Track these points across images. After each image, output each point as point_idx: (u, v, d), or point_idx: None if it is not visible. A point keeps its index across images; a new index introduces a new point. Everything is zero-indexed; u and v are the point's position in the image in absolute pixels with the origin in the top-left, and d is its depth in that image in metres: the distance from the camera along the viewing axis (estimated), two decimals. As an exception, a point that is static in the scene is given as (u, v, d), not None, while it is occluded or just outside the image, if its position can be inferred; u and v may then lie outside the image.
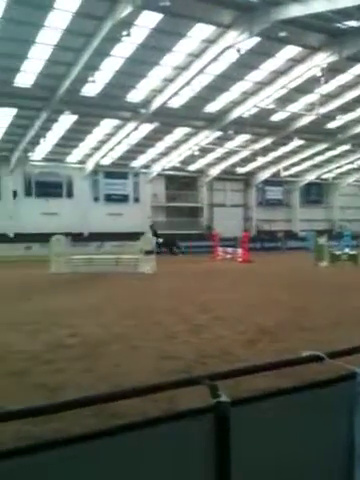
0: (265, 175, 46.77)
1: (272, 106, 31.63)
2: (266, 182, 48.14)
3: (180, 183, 45.10)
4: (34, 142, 33.77)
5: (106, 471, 1.42)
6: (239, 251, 26.92)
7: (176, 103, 31.26)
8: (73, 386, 5.06)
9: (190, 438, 1.54)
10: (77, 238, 32.63)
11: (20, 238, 35.30)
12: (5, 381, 5.31)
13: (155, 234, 29.27)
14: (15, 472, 1.30)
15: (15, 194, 37.54)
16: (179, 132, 36.78)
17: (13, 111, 29.86)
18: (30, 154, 36.03)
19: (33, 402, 4.41)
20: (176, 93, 29.12)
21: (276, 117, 35.21)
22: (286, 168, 45.50)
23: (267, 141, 38.63)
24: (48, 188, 38.81)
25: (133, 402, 1.75)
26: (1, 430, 3.00)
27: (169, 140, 38.15)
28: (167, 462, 1.51)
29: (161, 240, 29.91)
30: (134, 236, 25.73)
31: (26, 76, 26.22)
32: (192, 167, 43.93)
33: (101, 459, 1.41)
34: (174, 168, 43.05)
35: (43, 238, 26.95)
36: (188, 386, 1.65)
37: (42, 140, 33.59)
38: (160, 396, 2.22)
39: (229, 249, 28.59)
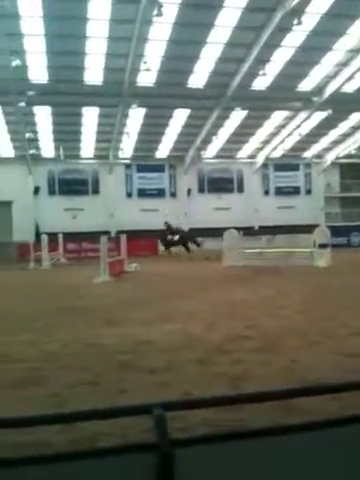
0: None
1: None
2: None
3: (357, 171, 42.45)
4: (207, 140, 34.99)
5: None
6: None
7: (351, 88, 29.53)
8: (252, 377, 5.17)
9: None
10: (248, 232, 32.95)
11: (193, 233, 36.97)
12: (191, 368, 5.65)
13: (171, 232, 28.06)
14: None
15: (189, 192, 39.36)
16: (356, 117, 34.68)
17: (187, 112, 31.35)
18: (203, 152, 37.44)
19: (217, 390, 4.61)
20: (351, 77, 27.54)
21: None
22: None
23: None
24: (220, 184, 39.86)
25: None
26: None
27: (344, 126, 36.22)
28: None
29: (177, 237, 28.36)
30: (306, 229, 25.03)
31: (198, 76, 27.29)
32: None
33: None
34: (349, 156, 40.71)
35: (215, 233, 27.81)
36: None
37: (214, 138, 34.64)
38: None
39: None
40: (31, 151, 31.60)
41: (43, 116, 28.73)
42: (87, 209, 33.75)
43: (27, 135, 29.50)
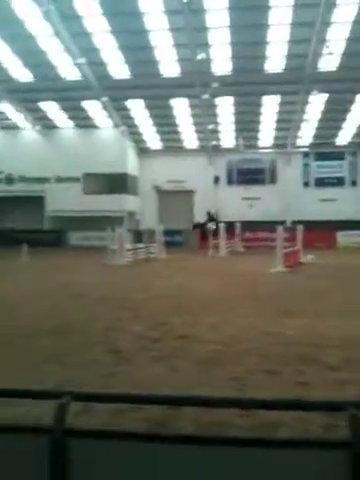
0: None
1: None
2: None
3: None
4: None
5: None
6: None
7: None
8: None
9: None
10: None
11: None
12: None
13: (212, 220, 27.69)
14: None
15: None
16: None
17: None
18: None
19: None
20: None
21: None
22: None
23: None
24: None
25: None
26: None
27: None
28: None
29: (214, 227, 26.35)
30: None
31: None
32: None
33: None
34: None
35: None
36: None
37: None
38: None
39: None
40: (212, 142, 32.90)
41: (224, 107, 29.59)
42: (264, 198, 33.95)
43: (209, 127, 30.72)
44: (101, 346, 6.84)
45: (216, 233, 26.17)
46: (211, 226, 27.10)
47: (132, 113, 30.58)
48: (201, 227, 28.80)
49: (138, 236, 27.57)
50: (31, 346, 6.85)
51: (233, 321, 8.42)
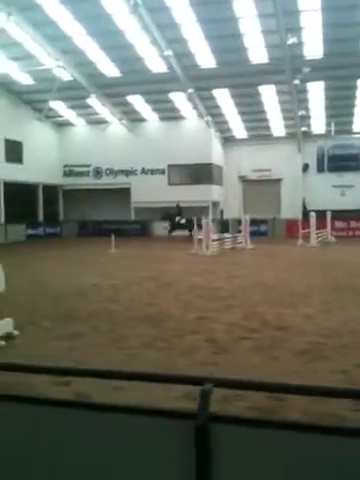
0: None
1: None
2: None
3: None
4: None
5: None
6: None
7: None
8: None
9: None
10: None
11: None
12: None
13: (179, 214, 27.38)
14: None
15: None
16: None
17: None
18: None
19: None
20: None
21: None
22: None
23: None
24: None
25: None
26: None
27: None
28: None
29: (184, 221, 26.59)
30: None
31: None
32: None
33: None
34: None
35: None
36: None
37: None
38: None
39: None
40: (302, 128, 31.85)
41: (315, 92, 28.46)
42: (357, 186, 32.34)
43: (300, 113, 29.75)
44: (197, 335, 6.81)
45: (183, 227, 26.59)
46: (180, 219, 27.34)
47: (217, 102, 30.35)
48: (171, 219, 28.60)
49: (223, 226, 27.45)
50: (128, 333, 6.98)
51: (331, 313, 8.06)
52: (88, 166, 34.16)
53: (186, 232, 26.75)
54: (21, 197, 30.94)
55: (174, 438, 1.45)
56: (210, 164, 32.36)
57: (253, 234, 24.13)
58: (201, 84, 27.57)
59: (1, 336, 6.57)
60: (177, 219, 27.84)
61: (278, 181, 33.67)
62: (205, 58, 25.55)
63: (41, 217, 32.32)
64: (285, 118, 31.61)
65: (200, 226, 23.12)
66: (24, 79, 28.23)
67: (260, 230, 28.66)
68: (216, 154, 33.45)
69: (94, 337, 6.77)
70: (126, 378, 1.84)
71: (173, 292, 10.46)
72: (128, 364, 5.37)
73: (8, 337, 6.67)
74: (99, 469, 1.53)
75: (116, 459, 1.50)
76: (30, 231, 30.13)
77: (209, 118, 31.61)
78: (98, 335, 6.88)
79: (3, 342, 6.44)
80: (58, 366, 2.15)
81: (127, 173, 33.69)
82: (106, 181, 33.82)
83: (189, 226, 25.59)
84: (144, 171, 33.44)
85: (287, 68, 25.02)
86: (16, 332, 6.85)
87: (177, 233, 27.68)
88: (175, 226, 27.81)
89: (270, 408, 3.90)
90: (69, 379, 4.59)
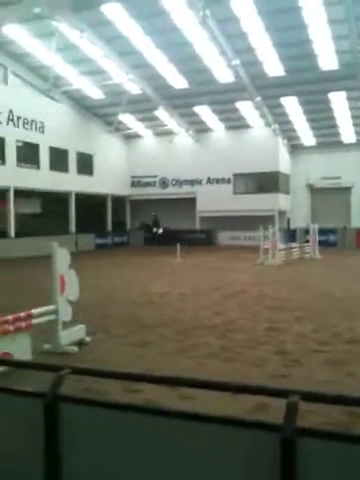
0: None
1: None
2: None
3: None
4: None
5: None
6: None
7: None
8: None
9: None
10: None
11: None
12: None
13: (155, 224, 26.59)
14: None
15: None
16: None
17: None
18: None
19: None
20: None
21: None
22: None
23: None
24: None
25: None
26: None
27: None
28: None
29: (161, 231, 25.62)
30: None
31: None
32: None
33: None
34: None
35: None
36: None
37: None
38: None
39: None
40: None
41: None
42: None
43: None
44: (266, 346, 6.71)
45: (162, 237, 25.71)
46: (157, 231, 26.42)
47: (285, 110, 29.95)
48: (147, 229, 27.72)
49: (290, 235, 26.92)
50: (196, 342, 6.98)
51: None
52: (155, 177, 34.75)
53: (163, 243, 26.43)
54: (91, 208, 31.99)
55: (258, 452, 1.44)
56: (277, 172, 31.92)
57: (322, 244, 23.46)
58: (269, 92, 27.34)
59: (74, 342, 6.80)
60: (154, 230, 27.35)
61: (348, 189, 32.57)
62: (273, 66, 25.32)
63: (109, 227, 33.19)
64: (355, 124, 30.64)
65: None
66: (95, 94, 29.27)
67: (329, 240, 27.81)
68: (283, 162, 32.97)
69: (163, 345, 6.84)
70: (210, 387, 1.83)
71: (240, 302, 10.37)
72: (197, 374, 5.37)
73: (81, 343, 6.88)
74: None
75: (203, 468, 1.52)
76: (98, 240, 31.00)
77: (276, 126, 31.25)
78: (166, 343, 6.95)
79: (76, 348, 6.65)
80: (131, 372, 2.20)
81: (192, 183, 33.93)
82: (172, 191, 34.24)
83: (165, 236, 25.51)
84: (209, 181, 33.53)
85: (359, 74, 24.29)
86: (88, 339, 7.06)
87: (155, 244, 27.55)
88: (153, 236, 27.30)
89: (345, 424, 3.77)
90: (139, 387, 4.68)
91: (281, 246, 20.33)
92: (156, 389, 4.56)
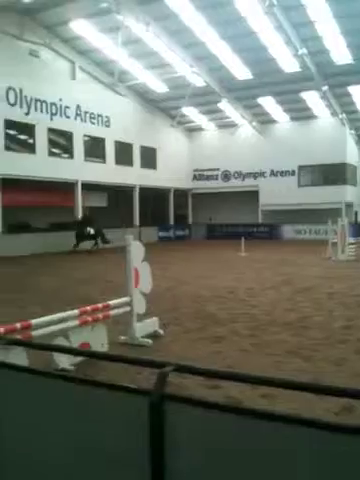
0: None
1: None
2: None
3: None
4: None
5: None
6: None
7: None
8: None
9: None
10: None
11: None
12: None
13: (87, 223, 22.96)
14: None
15: None
16: None
17: None
18: None
19: None
20: None
21: None
22: None
23: None
24: None
25: None
26: None
27: None
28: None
29: (93, 231, 22.80)
30: None
31: None
32: None
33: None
34: None
35: None
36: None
37: None
38: None
39: None
40: None
41: None
42: None
43: None
44: (345, 344, 6.44)
45: (91, 239, 22.59)
46: (89, 231, 22.39)
47: (353, 99, 28.81)
48: (78, 228, 22.67)
49: (356, 229, 25.93)
50: (270, 338, 6.82)
51: None
52: (217, 170, 34.54)
53: (92, 243, 22.86)
54: (154, 201, 32.26)
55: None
56: (344, 164, 30.85)
57: (393, 238, 22.38)
58: (336, 81, 26.41)
59: (148, 335, 6.82)
60: (87, 230, 22.66)
61: None
62: (341, 54, 24.39)
63: (171, 220, 33.37)
64: None
65: (105, 240, 22.71)
66: (159, 87, 29.40)
67: None
68: (350, 153, 31.81)
69: (237, 341, 6.72)
70: (313, 391, 1.81)
71: (312, 298, 10.06)
72: (277, 372, 5.23)
73: (154, 336, 6.90)
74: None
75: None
76: (161, 233, 31.25)
77: (344, 116, 30.14)
78: (240, 339, 6.83)
79: (150, 341, 6.67)
80: (237, 373, 2.13)
81: (255, 175, 33.45)
82: (234, 184, 33.91)
83: (96, 237, 22.63)
84: (273, 173, 32.93)
85: None
86: (161, 331, 7.06)
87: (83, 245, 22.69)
88: (82, 237, 22.54)
89: None
90: (219, 383, 4.60)
91: (351, 240, 19.60)
92: (237, 386, 4.49)
